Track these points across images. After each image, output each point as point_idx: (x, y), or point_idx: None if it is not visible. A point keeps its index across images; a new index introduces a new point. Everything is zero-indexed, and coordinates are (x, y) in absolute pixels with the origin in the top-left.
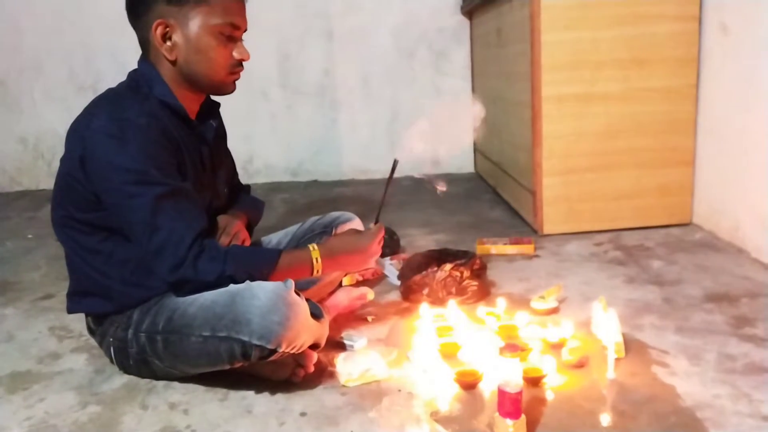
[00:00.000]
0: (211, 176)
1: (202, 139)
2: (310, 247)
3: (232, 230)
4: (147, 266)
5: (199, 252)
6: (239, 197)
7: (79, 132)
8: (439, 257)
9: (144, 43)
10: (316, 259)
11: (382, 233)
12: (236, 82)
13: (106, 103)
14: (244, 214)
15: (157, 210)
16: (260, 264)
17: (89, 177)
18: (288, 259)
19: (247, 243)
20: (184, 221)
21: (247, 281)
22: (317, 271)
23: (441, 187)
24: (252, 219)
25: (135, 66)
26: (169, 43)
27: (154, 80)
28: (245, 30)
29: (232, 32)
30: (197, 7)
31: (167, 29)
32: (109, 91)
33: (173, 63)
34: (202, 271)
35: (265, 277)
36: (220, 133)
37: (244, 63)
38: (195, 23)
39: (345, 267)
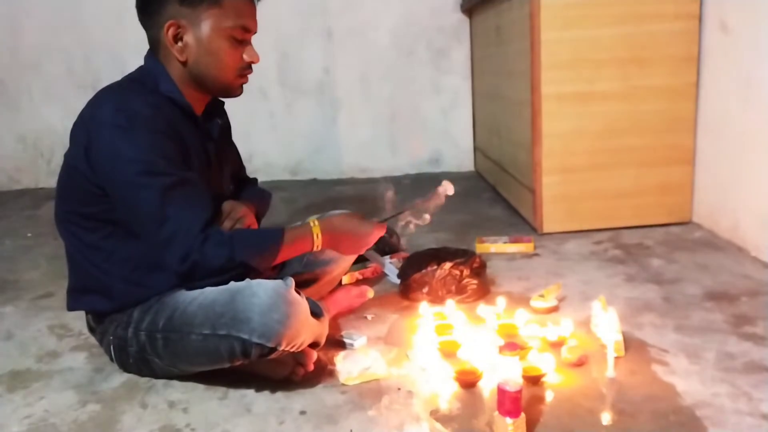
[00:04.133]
0: (216, 173)
1: (207, 136)
2: (311, 222)
3: (237, 215)
4: (148, 265)
5: (205, 239)
6: (246, 189)
7: (83, 123)
8: (438, 256)
9: (154, 41)
10: (317, 234)
11: (383, 230)
12: (243, 86)
13: (111, 95)
14: (251, 205)
15: (166, 201)
16: (266, 244)
17: (94, 168)
18: (291, 235)
19: (254, 228)
20: (192, 211)
21: (247, 279)
22: (317, 246)
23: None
24: (259, 210)
25: (133, 64)
26: (180, 44)
27: (161, 77)
28: (255, 33)
29: (244, 35)
30: (210, 9)
31: (179, 30)
32: (114, 83)
33: (183, 63)
34: (210, 256)
35: (273, 256)
36: (226, 130)
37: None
38: (207, 25)
39: (340, 246)
